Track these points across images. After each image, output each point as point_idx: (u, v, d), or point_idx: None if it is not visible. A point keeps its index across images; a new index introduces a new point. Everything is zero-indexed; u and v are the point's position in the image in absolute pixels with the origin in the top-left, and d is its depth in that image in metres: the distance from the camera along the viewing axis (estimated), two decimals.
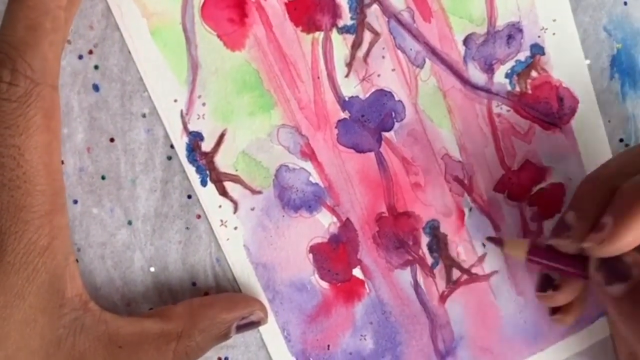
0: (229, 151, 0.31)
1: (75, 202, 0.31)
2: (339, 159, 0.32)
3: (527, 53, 0.32)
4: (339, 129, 0.32)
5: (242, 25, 0.30)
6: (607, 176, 0.28)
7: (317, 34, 0.31)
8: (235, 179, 0.31)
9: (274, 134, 0.31)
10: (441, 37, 0.31)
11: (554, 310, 0.31)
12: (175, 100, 0.30)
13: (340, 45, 0.31)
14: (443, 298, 0.33)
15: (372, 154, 0.32)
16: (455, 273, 0.33)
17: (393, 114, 0.32)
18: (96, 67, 0.30)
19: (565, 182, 0.33)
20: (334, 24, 0.31)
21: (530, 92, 0.32)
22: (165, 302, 0.32)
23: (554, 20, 0.31)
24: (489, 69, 0.32)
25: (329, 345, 0.33)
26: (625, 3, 0.32)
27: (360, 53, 0.31)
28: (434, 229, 0.33)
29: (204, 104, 0.31)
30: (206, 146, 0.31)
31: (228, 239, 0.32)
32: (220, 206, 0.31)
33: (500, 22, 0.31)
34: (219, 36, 0.30)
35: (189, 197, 0.31)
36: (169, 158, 0.31)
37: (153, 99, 0.30)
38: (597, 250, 0.26)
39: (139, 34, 0.30)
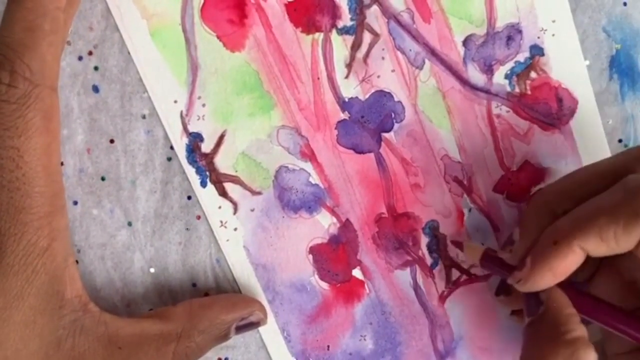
0: (229, 152, 0.31)
1: (75, 203, 0.31)
2: (338, 160, 0.32)
3: (527, 54, 0.32)
4: (338, 129, 0.32)
5: (242, 26, 0.30)
6: (548, 201, 0.29)
7: (316, 34, 0.31)
8: (235, 180, 0.31)
9: (273, 134, 0.31)
10: (441, 38, 0.31)
11: (498, 292, 0.32)
12: (175, 101, 0.30)
13: (340, 46, 0.31)
14: (442, 298, 0.33)
15: (371, 155, 0.32)
16: (455, 273, 0.33)
17: (393, 114, 0.32)
18: (96, 68, 0.30)
19: None
20: (333, 25, 0.31)
21: (529, 92, 0.32)
22: (165, 303, 0.32)
23: (553, 21, 0.31)
24: (489, 70, 0.32)
25: (328, 346, 0.33)
26: (625, 4, 0.32)
27: (360, 54, 0.31)
28: (433, 230, 0.33)
29: (203, 105, 0.31)
30: (206, 147, 0.31)
31: (228, 240, 0.32)
32: (220, 207, 0.31)
33: (500, 23, 0.31)
34: (218, 37, 0.30)
35: (189, 198, 0.31)
36: (169, 159, 0.31)
37: (153, 100, 0.30)
38: (517, 286, 0.28)
39: (139, 35, 0.30)
